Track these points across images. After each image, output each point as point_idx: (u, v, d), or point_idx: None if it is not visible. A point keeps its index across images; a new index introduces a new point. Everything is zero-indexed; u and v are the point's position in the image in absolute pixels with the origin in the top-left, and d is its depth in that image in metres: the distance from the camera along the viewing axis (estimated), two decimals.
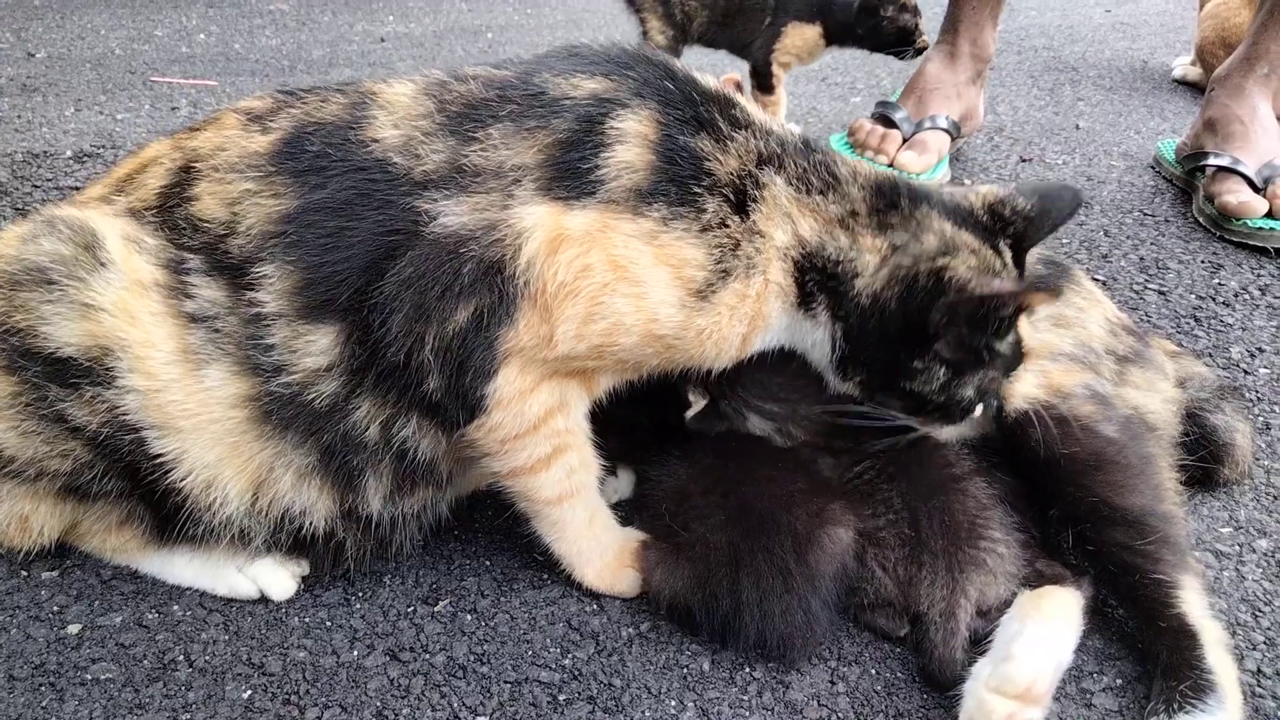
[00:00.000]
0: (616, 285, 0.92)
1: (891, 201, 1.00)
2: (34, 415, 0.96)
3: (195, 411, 0.96)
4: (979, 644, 0.98)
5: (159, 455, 0.96)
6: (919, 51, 2.37)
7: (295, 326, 0.95)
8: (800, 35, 2.36)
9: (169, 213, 0.99)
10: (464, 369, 0.94)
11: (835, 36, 2.37)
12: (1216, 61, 2.60)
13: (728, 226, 0.94)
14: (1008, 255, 1.03)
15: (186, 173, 1.01)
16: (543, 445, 1.01)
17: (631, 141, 0.94)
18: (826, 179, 1.00)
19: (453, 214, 0.93)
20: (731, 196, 0.95)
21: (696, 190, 0.94)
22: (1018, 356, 1.05)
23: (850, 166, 1.03)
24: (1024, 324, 1.05)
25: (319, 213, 0.95)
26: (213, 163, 1.00)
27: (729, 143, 0.97)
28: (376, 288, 0.93)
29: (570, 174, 0.93)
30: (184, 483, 0.97)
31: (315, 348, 0.95)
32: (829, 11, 2.34)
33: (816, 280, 0.98)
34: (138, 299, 0.95)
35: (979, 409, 1.06)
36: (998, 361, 1.01)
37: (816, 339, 1.02)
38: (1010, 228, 1.03)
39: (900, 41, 2.34)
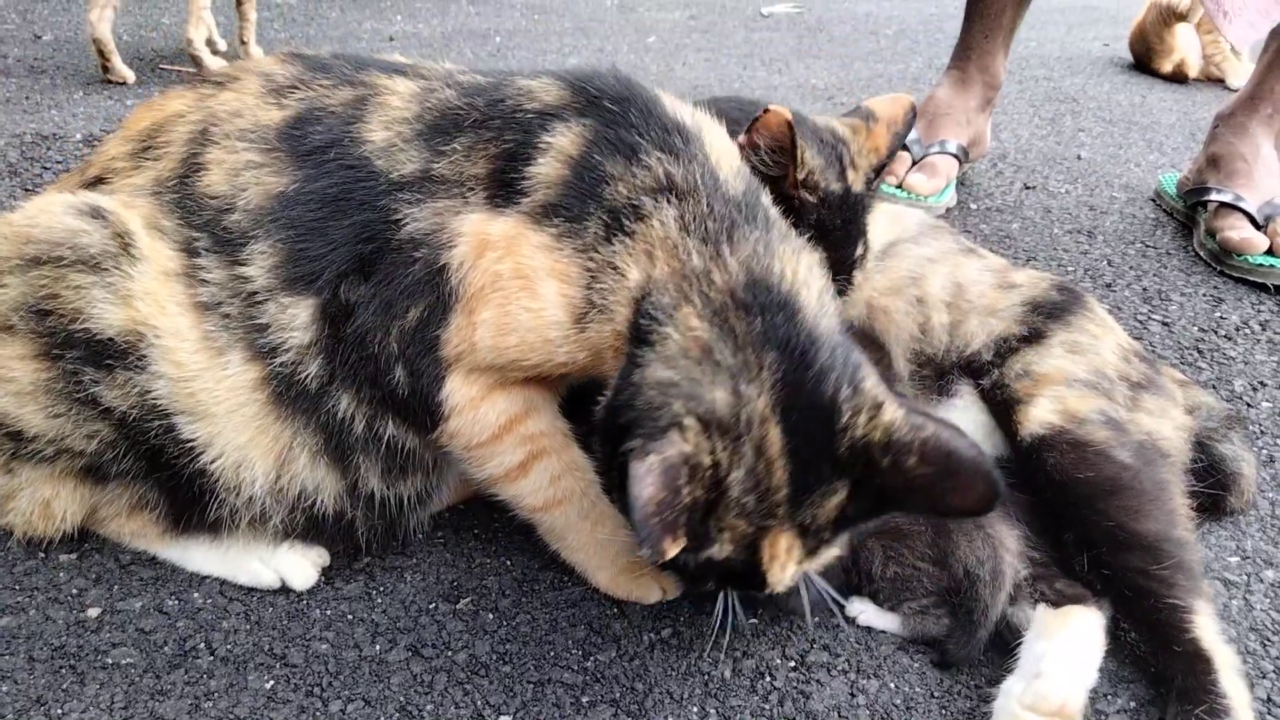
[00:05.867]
0: (519, 295, 0.94)
1: (752, 308, 0.85)
2: (66, 398, 0.96)
3: (224, 398, 0.97)
4: (1005, 656, 1.00)
5: (189, 440, 0.97)
6: None
7: (280, 300, 0.97)
8: None
9: (184, 185, 1.00)
10: (417, 372, 0.98)
11: None
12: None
13: (597, 253, 0.93)
14: (825, 502, 0.82)
15: (204, 135, 1.02)
16: (513, 453, 1.02)
17: (554, 156, 0.96)
18: (723, 234, 0.90)
19: (416, 219, 0.96)
20: (607, 221, 0.93)
21: (588, 210, 0.94)
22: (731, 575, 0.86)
23: (772, 255, 0.90)
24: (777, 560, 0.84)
25: (309, 199, 0.97)
26: (225, 129, 1.01)
27: (635, 168, 0.94)
28: (354, 287, 0.96)
29: (506, 184, 0.97)
30: (214, 465, 0.98)
31: (298, 321, 0.97)
32: None
33: (641, 326, 0.88)
34: (165, 289, 0.96)
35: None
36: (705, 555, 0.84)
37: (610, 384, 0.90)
38: (875, 477, 0.82)
39: None
